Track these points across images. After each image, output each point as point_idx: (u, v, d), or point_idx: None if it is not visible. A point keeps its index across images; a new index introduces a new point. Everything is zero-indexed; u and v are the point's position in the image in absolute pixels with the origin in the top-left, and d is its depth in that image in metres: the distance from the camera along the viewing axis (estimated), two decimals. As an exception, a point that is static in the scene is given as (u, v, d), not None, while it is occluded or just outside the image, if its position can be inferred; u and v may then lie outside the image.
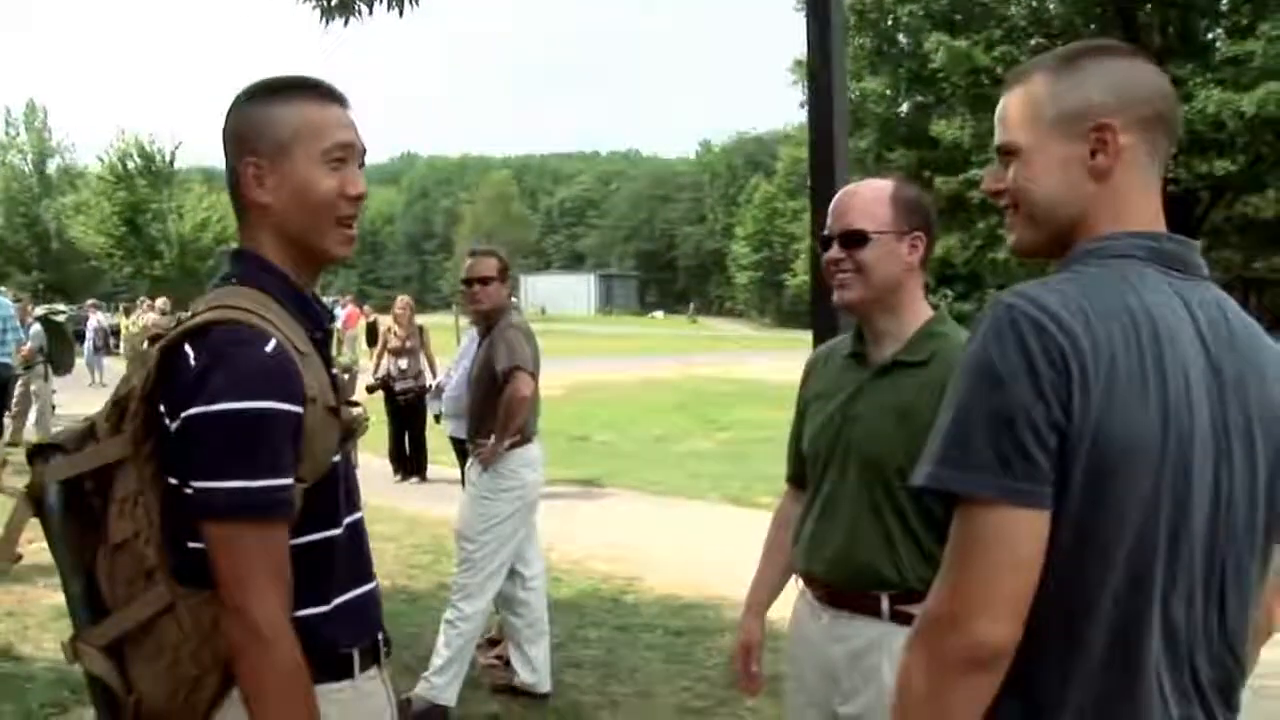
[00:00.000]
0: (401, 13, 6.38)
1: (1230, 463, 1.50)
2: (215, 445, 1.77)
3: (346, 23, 6.19)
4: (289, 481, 1.81)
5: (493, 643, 5.77)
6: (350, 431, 1.99)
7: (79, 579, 1.90)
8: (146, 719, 1.85)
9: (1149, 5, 28.96)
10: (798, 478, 2.92)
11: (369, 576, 2.05)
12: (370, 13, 6.31)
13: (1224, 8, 29.37)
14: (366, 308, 20.31)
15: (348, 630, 1.95)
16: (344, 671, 1.93)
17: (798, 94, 38.85)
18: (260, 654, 1.76)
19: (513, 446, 5.30)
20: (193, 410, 1.77)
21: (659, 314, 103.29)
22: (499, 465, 5.30)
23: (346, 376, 7.37)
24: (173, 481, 1.85)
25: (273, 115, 1.94)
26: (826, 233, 2.66)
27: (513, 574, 5.42)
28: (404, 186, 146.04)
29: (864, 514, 2.55)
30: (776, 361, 35.72)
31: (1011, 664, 1.45)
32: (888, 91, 32.20)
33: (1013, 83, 1.72)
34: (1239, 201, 31.64)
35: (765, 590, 3.00)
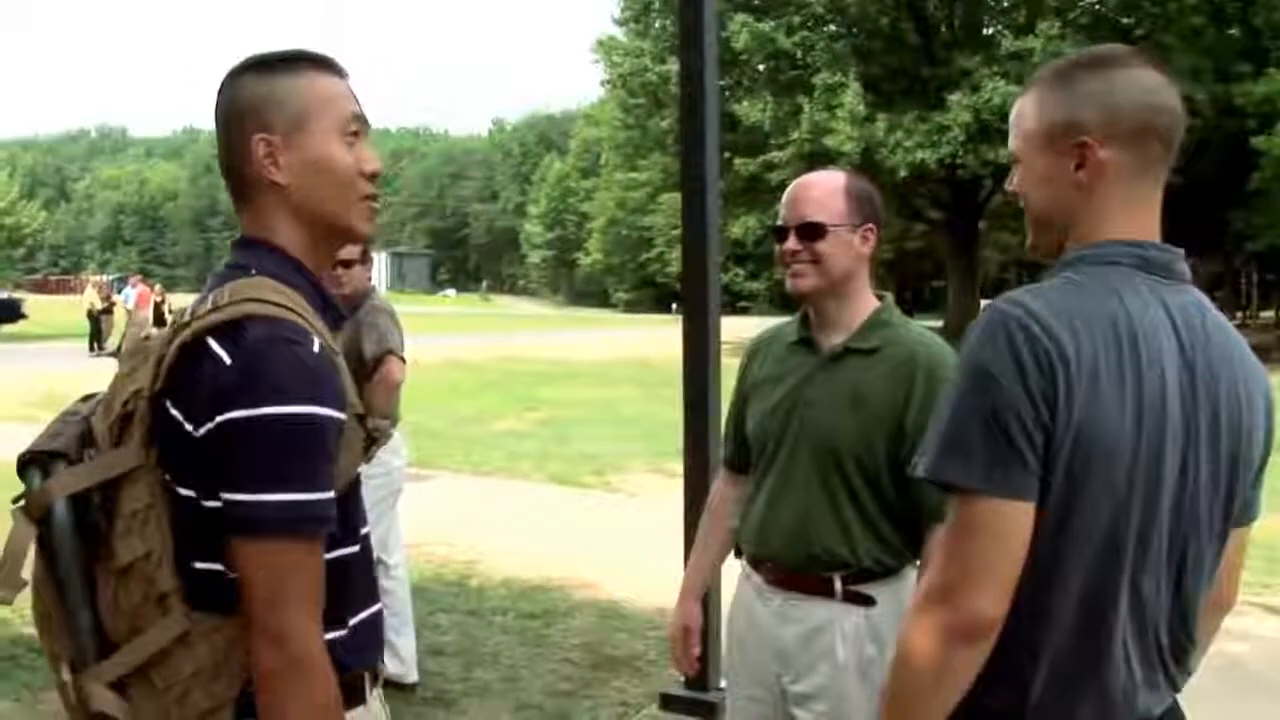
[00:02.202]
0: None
1: (1197, 453, 1.62)
2: (262, 454, 1.58)
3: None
4: (333, 495, 1.64)
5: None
6: (373, 440, 1.83)
7: (87, 611, 1.67)
8: None
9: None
10: (735, 462, 2.92)
11: (378, 594, 1.89)
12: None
13: (1005, 5, 30.79)
14: (158, 287, 19.50)
15: (363, 652, 1.80)
16: (359, 697, 1.78)
17: (598, 73, 39.00)
18: (299, 686, 1.59)
19: (377, 431, 5.13)
20: (232, 414, 1.58)
21: (451, 292, 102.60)
22: (363, 451, 5.12)
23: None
24: (186, 494, 1.66)
25: (282, 88, 1.78)
26: (781, 223, 2.71)
27: (376, 563, 5.24)
28: (186, 162, 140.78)
29: (817, 497, 2.58)
30: (575, 339, 36.04)
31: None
32: (689, 73, 32.54)
33: (1025, 89, 1.80)
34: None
35: (701, 573, 2.99)
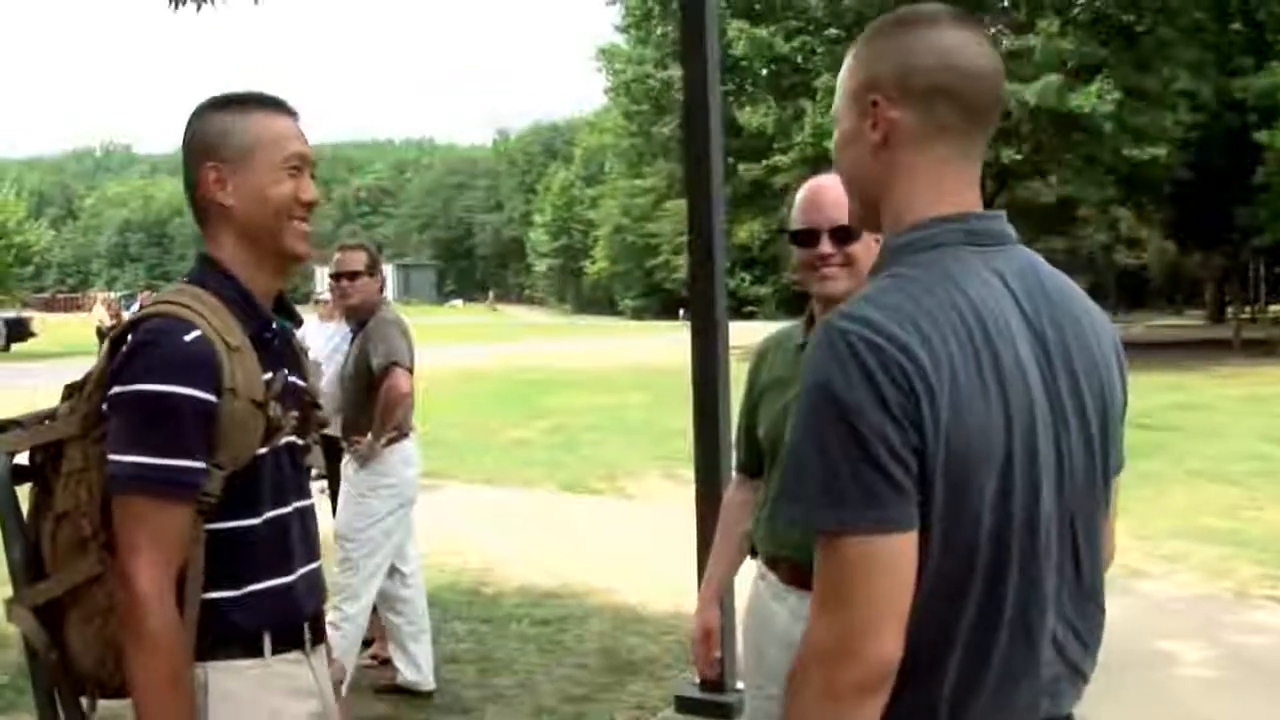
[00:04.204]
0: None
1: (1067, 427, 1.54)
2: (124, 421, 1.91)
3: (200, 9, 5.93)
4: (189, 464, 1.91)
5: (366, 644, 5.65)
6: (275, 429, 2.04)
7: (20, 544, 2.02)
8: (83, 679, 2.01)
9: (936, -1, 30.11)
10: (748, 466, 2.94)
11: (291, 569, 2.10)
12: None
13: (1005, 4, 30.77)
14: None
15: (259, 615, 2.02)
16: (252, 650, 2.01)
17: (600, 81, 39.04)
18: (134, 614, 1.86)
19: (390, 443, 5.19)
20: (114, 390, 1.93)
21: (458, 302, 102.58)
22: (377, 463, 5.18)
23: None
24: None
25: (235, 125, 2.08)
26: (807, 227, 2.68)
27: (392, 572, 5.30)
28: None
29: None
30: (583, 347, 36.06)
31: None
32: (691, 79, 32.57)
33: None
34: (1020, 186, 33.24)
35: (719, 578, 3.02)
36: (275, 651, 2.04)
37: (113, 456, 1.90)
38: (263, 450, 2.01)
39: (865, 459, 1.39)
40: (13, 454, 2.03)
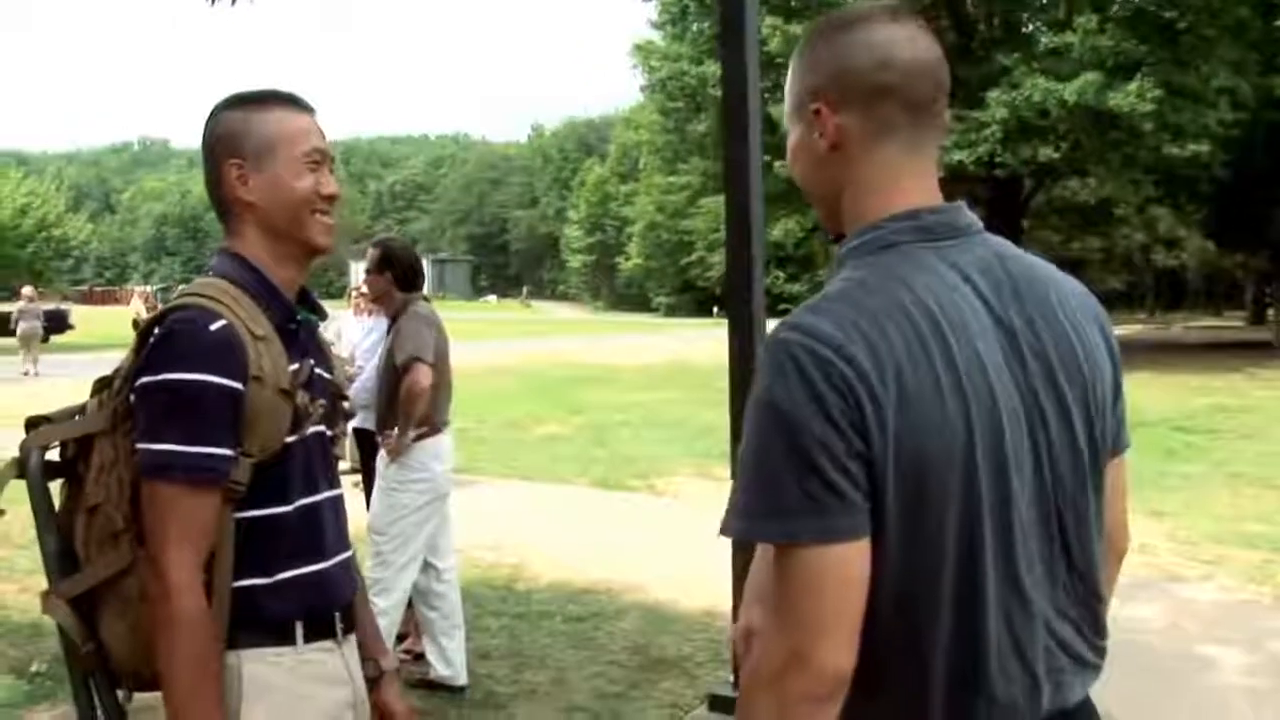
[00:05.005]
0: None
1: (1044, 419, 1.50)
2: (152, 411, 1.93)
3: (235, 3, 5.96)
4: (218, 451, 1.93)
5: (400, 638, 5.66)
6: (303, 417, 2.06)
7: (53, 537, 2.05)
8: (119, 671, 2.03)
9: (975, -5, 29.87)
10: None
11: (322, 556, 2.11)
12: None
13: (1044, 2, 30.48)
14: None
15: (290, 602, 2.04)
16: (284, 639, 2.03)
17: (635, 77, 38.97)
18: (163, 601, 1.88)
19: (421, 438, 5.20)
20: (142, 379, 1.95)
21: (492, 298, 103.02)
22: (407, 457, 5.20)
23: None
24: None
25: (254, 122, 2.12)
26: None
27: (426, 566, 5.31)
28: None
29: None
30: (616, 343, 36.09)
31: (858, 689, 1.43)
32: (728, 76, 32.47)
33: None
34: (1058, 185, 33.00)
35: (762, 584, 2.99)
36: (308, 640, 2.06)
37: (141, 445, 1.93)
38: (291, 438, 2.03)
39: (809, 470, 1.38)
40: (45, 448, 2.06)
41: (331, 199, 2.16)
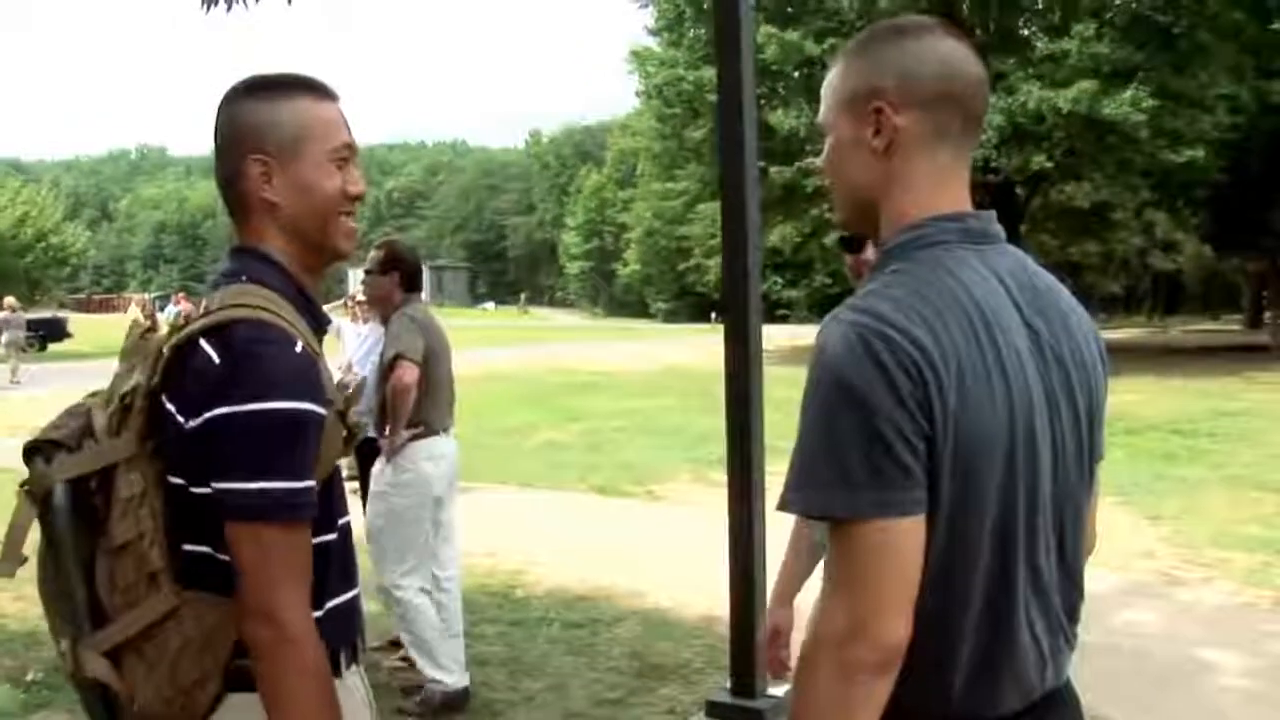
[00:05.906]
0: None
1: (1060, 417, 1.60)
2: (249, 446, 1.73)
3: (230, 8, 5.95)
4: (310, 484, 1.78)
5: (395, 644, 5.65)
6: (353, 435, 1.97)
7: (84, 584, 1.80)
8: None
9: (970, 0, 29.86)
10: None
11: (354, 582, 2.01)
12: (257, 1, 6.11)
13: (1039, 6, 30.52)
14: (204, 304, 19.72)
15: (337, 633, 1.91)
16: (335, 672, 1.90)
17: (632, 83, 38.96)
18: (290, 656, 1.73)
19: (416, 438, 5.20)
20: (221, 410, 1.73)
21: (490, 305, 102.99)
22: (398, 458, 5.20)
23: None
24: (176, 482, 1.80)
25: (278, 113, 1.92)
26: (854, 233, 2.73)
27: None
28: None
29: None
30: (615, 350, 36.07)
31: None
32: (723, 81, 32.50)
33: (834, 61, 1.76)
34: (1055, 190, 33.03)
35: (793, 580, 3.09)
36: (346, 667, 1.96)
37: (232, 485, 1.72)
38: (341, 460, 1.93)
39: (878, 446, 1.44)
40: (69, 481, 1.80)
41: (358, 199, 1.99)
